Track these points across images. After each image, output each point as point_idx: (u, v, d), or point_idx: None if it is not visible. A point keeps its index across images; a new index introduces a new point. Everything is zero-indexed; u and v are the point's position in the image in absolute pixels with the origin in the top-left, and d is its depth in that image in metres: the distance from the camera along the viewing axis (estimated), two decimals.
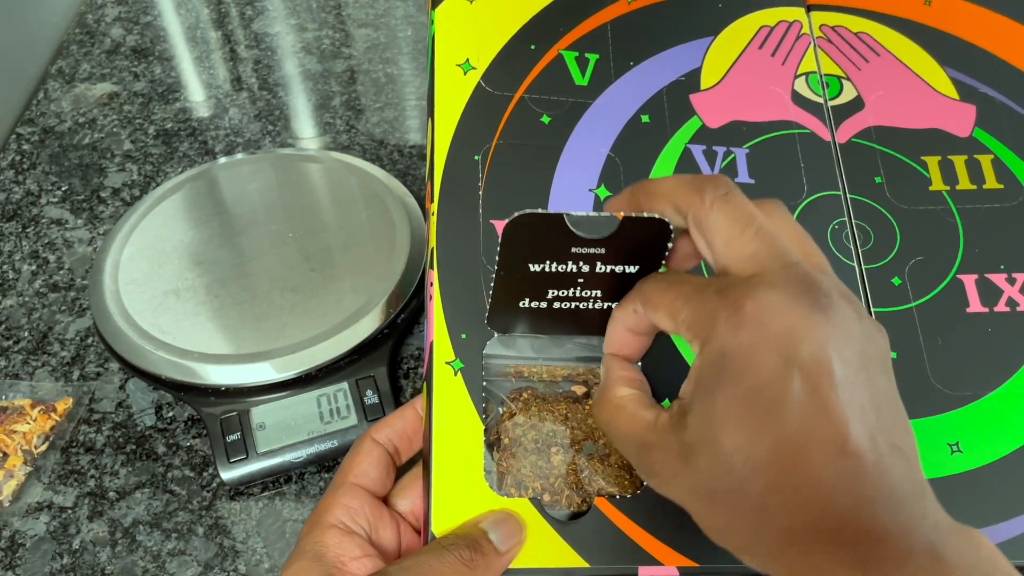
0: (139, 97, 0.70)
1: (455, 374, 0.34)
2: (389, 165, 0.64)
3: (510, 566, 0.31)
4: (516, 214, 0.28)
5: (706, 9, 0.44)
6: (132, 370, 0.48)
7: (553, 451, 0.34)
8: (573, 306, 0.32)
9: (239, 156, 0.60)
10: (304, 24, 0.77)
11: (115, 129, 0.67)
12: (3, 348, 0.53)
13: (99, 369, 0.52)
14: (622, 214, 0.29)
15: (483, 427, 0.33)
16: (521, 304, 0.32)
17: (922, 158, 0.41)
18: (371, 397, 0.47)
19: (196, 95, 0.70)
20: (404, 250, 0.52)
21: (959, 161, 0.41)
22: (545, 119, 0.39)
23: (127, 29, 0.76)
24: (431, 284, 0.35)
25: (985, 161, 0.41)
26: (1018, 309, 0.38)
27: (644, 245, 0.29)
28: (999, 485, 0.34)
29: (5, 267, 0.58)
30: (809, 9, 0.45)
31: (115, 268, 0.51)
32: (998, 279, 0.38)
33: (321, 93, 0.70)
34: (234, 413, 0.46)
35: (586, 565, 0.31)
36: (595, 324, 0.33)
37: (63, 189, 0.63)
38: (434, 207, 0.36)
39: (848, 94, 0.43)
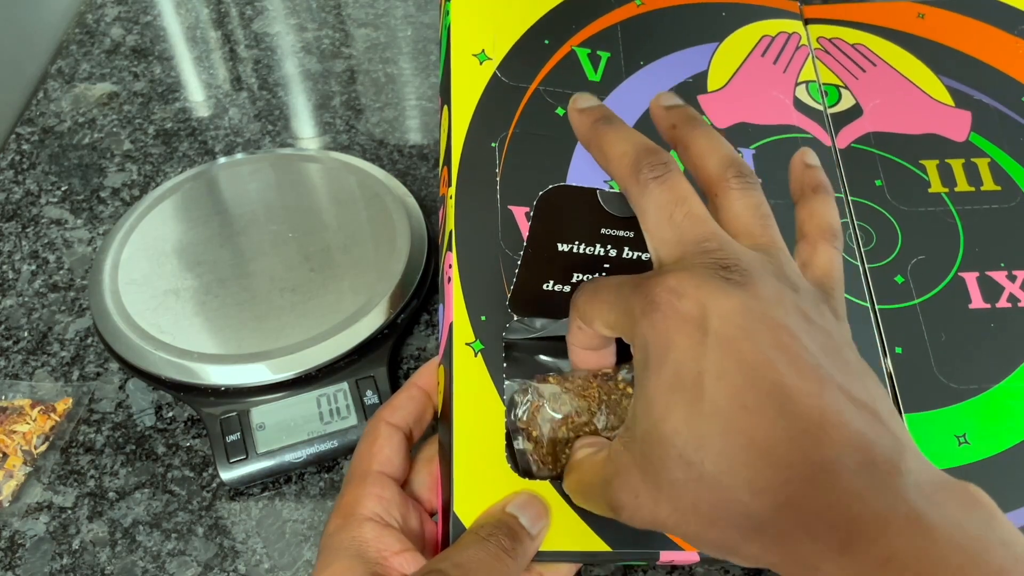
0: (139, 97, 0.70)
1: (475, 355, 0.34)
2: (389, 165, 0.64)
3: None
4: (550, 187, 0.28)
5: (710, 16, 0.45)
6: (132, 370, 0.48)
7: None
8: None
9: (239, 156, 0.60)
10: (304, 24, 0.77)
11: (115, 129, 0.67)
12: (3, 348, 0.53)
13: (99, 369, 0.52)
14: None
15: (503, 408, 0.33)
16: (545, 286, 0.32)
17: (920, 162, 0.42)
18: (371, 397, 0.47)
19: (196, 95, 0.70)
20: (404, 250, 0.52)
21: (957, 164, 0.42)
22: (560, 111, 0.40)
23: (127, 29, 0.76)
24: (449, 267, 0.35)
25: (982, 164, 0.42)
26: (1019, 305, 0.38)
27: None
28: (1007, 476, 0.35)
29: (5, 267, 0.58)
30: (807, 23, 0.47)
31: (115, 268, 0.51)
32: (999, 276, 0.39)
33: (321, 93, 0.70)
34: (234, 413, 0.46)
35: (608, 549, 0.31)
36: None
37: (63, 189, 0.63)
38: (451, 191, 0.37)
39: (847, 102, 0.44)
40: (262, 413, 0.47)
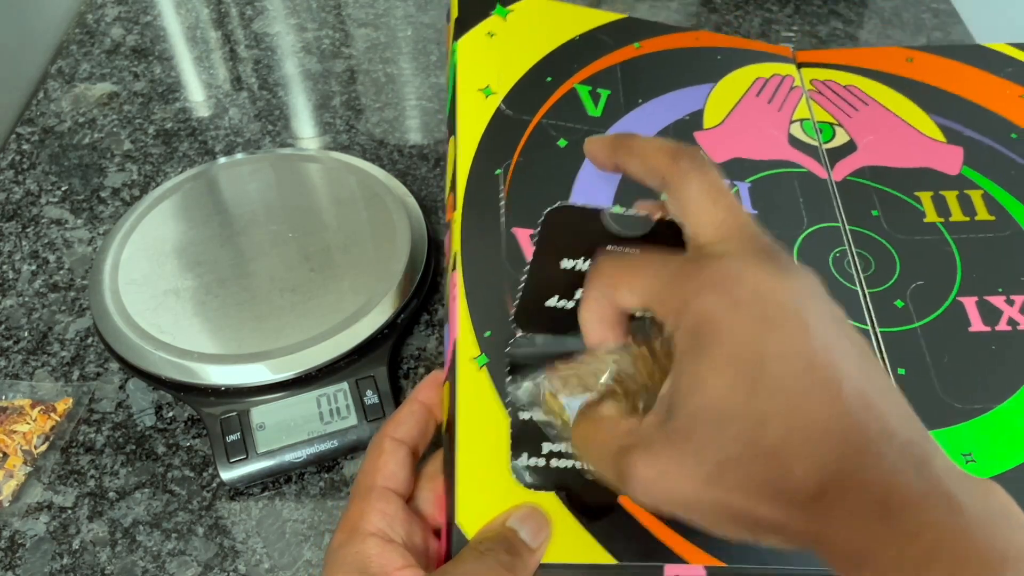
0: (139, 97, 0.70)
1: (479, 368, 0.34)
2: (389, 165, 0.64)
3: None
4: (557, 204, 0.29)
5: (706, 60, 0.47)
6: (132, 370, 0.48)
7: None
8: None
9: (239, 156, 0.60)
10: (304, 24, 0.77)
11: (115, 129, 0.67)
12: (3, 348, 0.53)
13: (99, 369, 0.52)
14: (658, 215, 0.30)
15: (508, 421, 0.33)
16: (548, 303, 0.32)
17: (915, 193, 0.44)
18: (371, 397, 0.48)
19: (196, 95, 0.70)
20: (404, 250, 0.52)
21: (951, 196, 0.44)
22: (562, 142, 0.41)
23: (127, 29, 0.76)
24: (454, 286, 0.36)
25: (976, 196, 0.44)
26: (1019, 328, 0.39)
27: (678, 253, 0.29)
28: (1015, 493, 0.35)
29: (5, 267, 0.58)
30: (800, 67, 0.49)
31: (115, 268, 0.51)
32: (997, 301, 0.40)
33: (321, 93, 0.70)
34: (234, 413, 0.46)
35: (613, 561, 0.31)
36: None
37: (63, 189, 0.63)
38: (457, 215, 0.38)
39: (841, 138, 0.46)
40: (262, 413, 0.47)
